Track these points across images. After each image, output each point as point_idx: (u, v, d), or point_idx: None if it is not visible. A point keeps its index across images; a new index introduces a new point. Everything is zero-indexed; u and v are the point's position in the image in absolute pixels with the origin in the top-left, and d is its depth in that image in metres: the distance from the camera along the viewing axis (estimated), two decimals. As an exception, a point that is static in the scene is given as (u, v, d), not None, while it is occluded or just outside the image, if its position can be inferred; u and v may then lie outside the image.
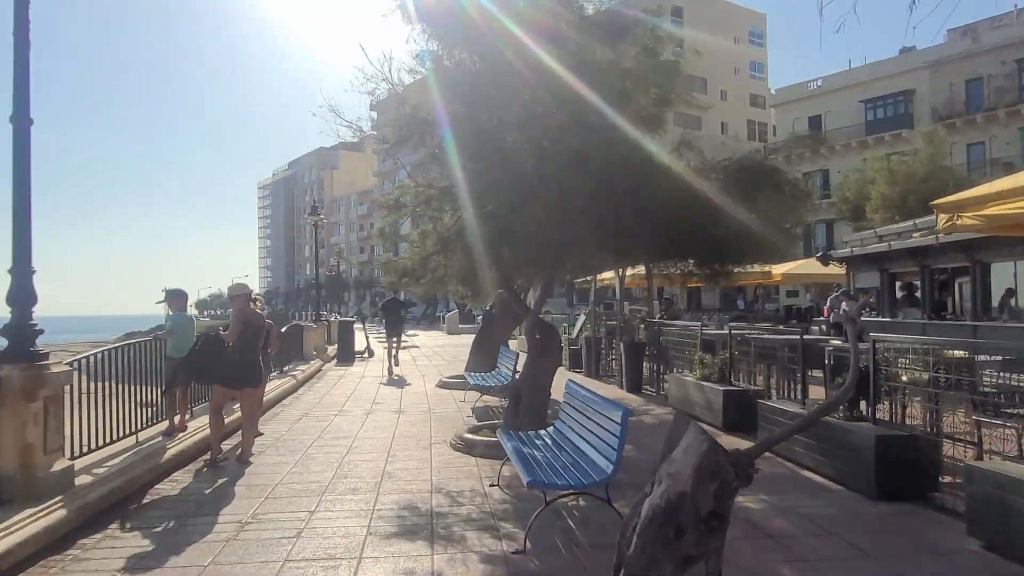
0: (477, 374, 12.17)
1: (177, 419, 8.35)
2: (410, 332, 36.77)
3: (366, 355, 23.12)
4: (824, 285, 29.08)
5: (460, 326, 40.26)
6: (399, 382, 15.54)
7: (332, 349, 22.52)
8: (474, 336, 15.22)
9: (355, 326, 28.30)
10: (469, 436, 8.04)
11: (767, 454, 6.21)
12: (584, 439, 5.29)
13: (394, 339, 18.26)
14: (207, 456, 7.52)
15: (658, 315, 14.86)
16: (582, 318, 17.06)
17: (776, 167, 7.93)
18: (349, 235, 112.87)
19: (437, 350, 25.97)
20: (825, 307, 17.67)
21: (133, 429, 7.50)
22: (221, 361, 7.28)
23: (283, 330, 15.94)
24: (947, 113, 40.10)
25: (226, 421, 8.11)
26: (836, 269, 20.92)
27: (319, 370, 18.22)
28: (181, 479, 6.96)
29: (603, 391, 13.78)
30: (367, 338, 24.28)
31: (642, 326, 13.75)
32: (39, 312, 5.73)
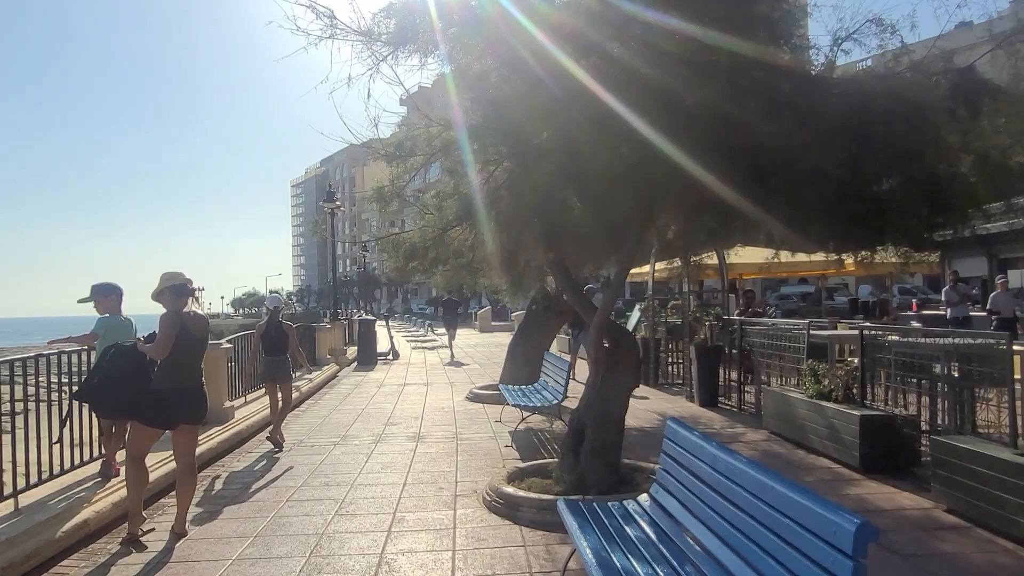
0: (515, 388, 9.69)
1: (119, 455, 6.11)
2: (439, 331, 34.55)
3: (390, 357, 20.88)
4: (878, 278, 26.22)
5: (493, 324, 37.91)
6: (423, 391, 13.17)
7: (352, 351, 20.28)
8: (511, 338, 12.76)
9: (379, 325, 26.13)
10: (511, 491, 5.58)
11: None
12: (746, 559, 2.68)
13: (453, 331, 23.38)
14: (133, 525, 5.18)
15: (736, 311, 12.26)
16: (636, 314, 14.52)
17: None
18: (381, 231, 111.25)
19: (468, 351, 23.58)
20: (942, 300, 14.82)
21: (42, 474, 5.27)
22: (140, 387, 4.94)
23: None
24: None
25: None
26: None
27: (334, 376, 15.95)
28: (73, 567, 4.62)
29: (669, 406, 11.28)
30: (391, 339, 22.00)
31: (714, 325, 11.14)
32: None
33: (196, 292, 5.22)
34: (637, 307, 14.86)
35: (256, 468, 7.27)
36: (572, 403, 9.90)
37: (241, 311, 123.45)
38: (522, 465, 6.50)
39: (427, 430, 9.22)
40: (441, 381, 14.96)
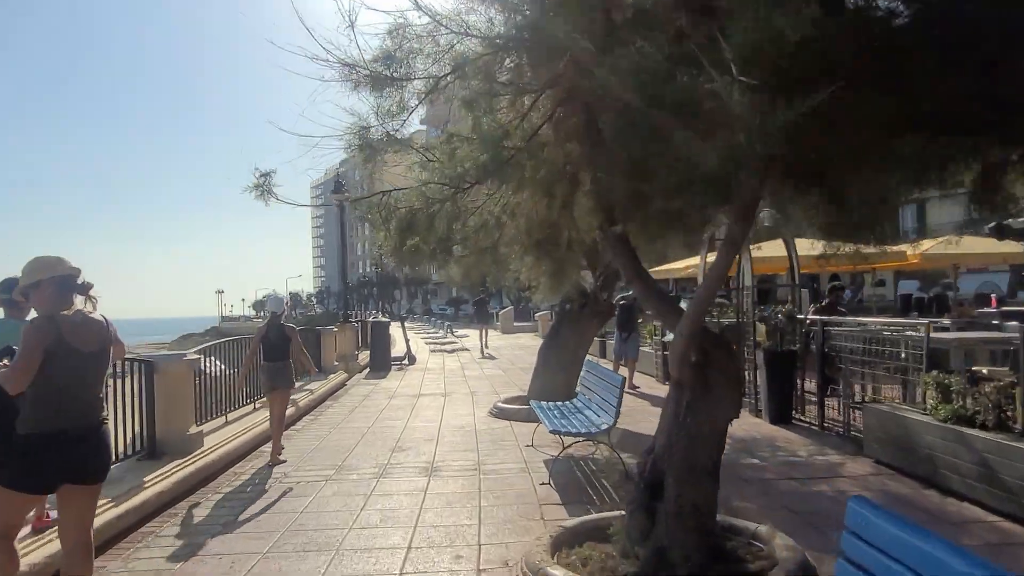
0: (551, 406, 7.93)
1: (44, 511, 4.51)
2: (459, 332, 32.86)
3: (406, 362, 19.23)
4: (934, 273, 24.19)
5: (515, 324, 36.21)
6: (439, 404, 11.47)
7: (365, 356, 18.64)
8: (540, 343, 10.98)
9: (395, 327, 24.51)
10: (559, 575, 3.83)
11: None
12: None
13: (484, 328, 25.01)
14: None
15: (811, 308, 10.39)
16: (683, 315, 12.74)
17: None
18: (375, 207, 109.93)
19: (490, 354, 21.85)
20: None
21: None
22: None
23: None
24: None
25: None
26: (1014, 247, 15.95)
27: (341, 385, 14.30)
28: None
29: (733, 423, 9.44)
30: (407, 342, 20.36)
31: (783, 326, 9.29)
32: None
33: (89, 290, 3.48)
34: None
35: (218, 519, 5.59)
36: (626, 425, 8.44)
37: (262, 314, 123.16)
38: (569, 523, 4.74)
39: (442, 457, 7.50)
40: (461, 391, 13.24)
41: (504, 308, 42.67)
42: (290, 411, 9.71)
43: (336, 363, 15.99)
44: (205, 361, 8.36)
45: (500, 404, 10.32)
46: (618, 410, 6.31)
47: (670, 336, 13.31)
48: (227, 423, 8.51)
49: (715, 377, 4.06)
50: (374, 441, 8.54)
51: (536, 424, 7.99)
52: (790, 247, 10.33)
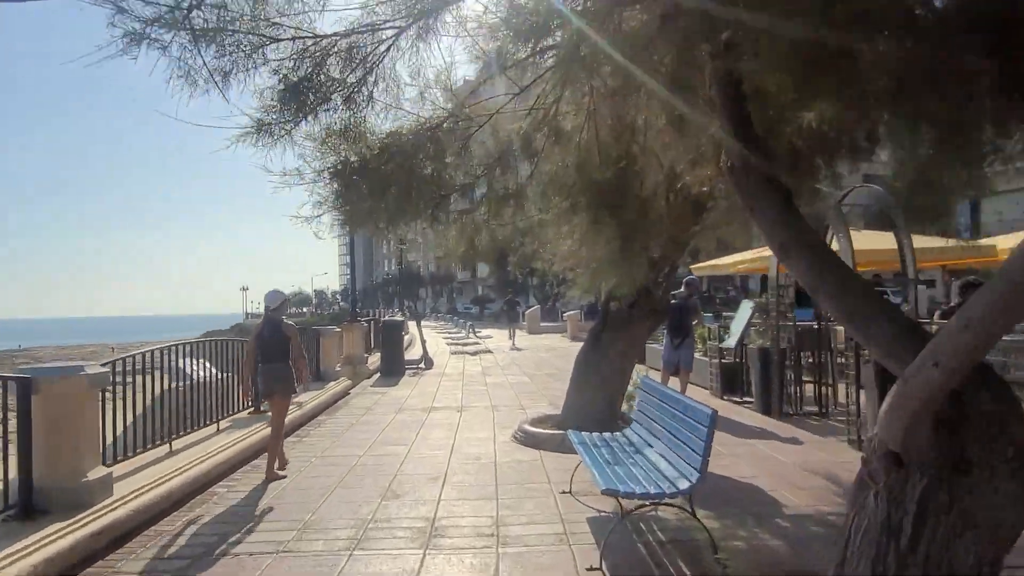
0: (596, 441, 5.83)
1: None
2: (482, 332, 30.86)
3: (422, 366, 17.27)
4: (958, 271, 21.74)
5: (542, 324, 34.13)
6: (454, 422, 9.45)
7: (376, 360, 16.70)
8: (579, 352, 8.85)
9: (410, 325, 22.59)
10: None
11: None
12: None
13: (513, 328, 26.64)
14: None
15: (939, 310, 8.16)
16: (746, 311, 10.54)
17: None
18: (425, 228, 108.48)
19: (516, 358, 19.81)
20: None
21: None
22: None
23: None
24: None
25: None
26: None
27: (343, 395, 12.36)
28: None
29: (835, 460, 7.37)
30: (424, 344, 18.41)
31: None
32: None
33: None
34: (747, 304, 10.85)
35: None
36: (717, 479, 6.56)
37: (291, 311, 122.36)
38: None
39: (448, 511, 5.47)
40: (480, 403, 11.21)
41: (531, 307, 40.63)
42: (258, 436, 7.81)
43: (340, 368, 14.07)
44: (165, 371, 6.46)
45: (527, 426, 8.25)
46: (706, 460, 4.21)
47: (730, 340, 11.18)
48: (172, 453, 6.57)
49: (984, 454, 1.97)
50: (362, 479, 6.53)
51: (574, 458, 5.93)
52: (902, 235, 8.13)
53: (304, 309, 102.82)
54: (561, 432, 7.78)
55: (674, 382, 10.75)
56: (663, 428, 5.08)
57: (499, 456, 7.40)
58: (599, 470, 4.74)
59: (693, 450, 4.30)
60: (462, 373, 16.14)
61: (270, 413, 7.07)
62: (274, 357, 6.75)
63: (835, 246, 7.81)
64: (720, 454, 6.79)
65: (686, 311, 10.56)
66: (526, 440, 7.93)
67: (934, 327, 7.09)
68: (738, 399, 10.71)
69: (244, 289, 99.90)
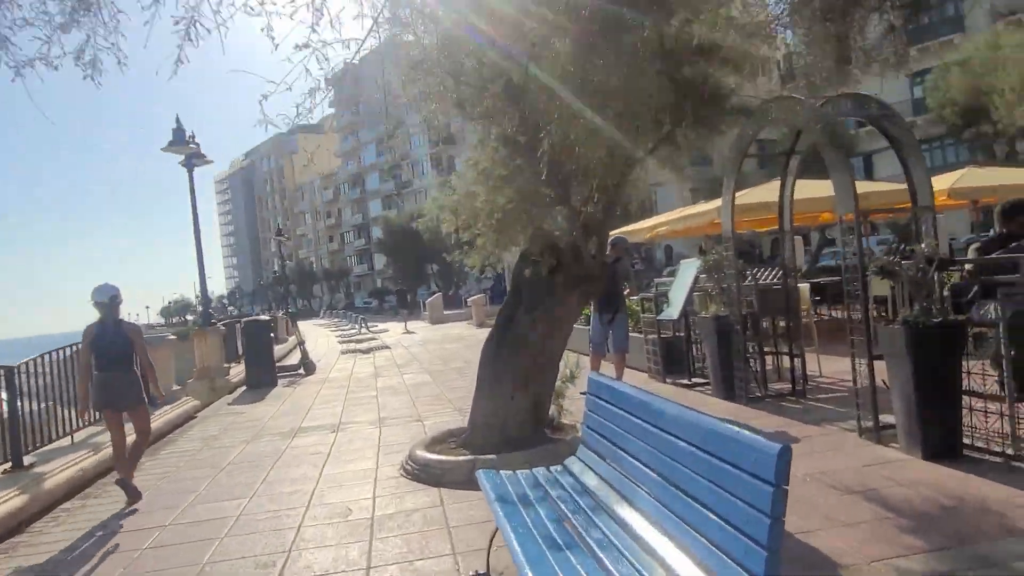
0: (526, 502, 3.41)
1: None
2: (379, 327, 28.03)
3: (301, 372, 14.50)
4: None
5: (446, 312, 31.70)
6: (324, 449, 6.90)
7: (240, 371, 13.71)
8: (488, 336, 6.33)
9: (310, 325, 19.65)
10: None
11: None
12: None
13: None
14: None
15: (972, 248, 6.19)
16: (688, 274, 8.47)
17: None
18: (316, 224, 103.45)
19: (416, 353, 17.28)
20: None
21: None
22: None
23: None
24: (1009, 9, 33.09)
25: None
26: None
27: (185, 420, 9.47)
28: None
29: (859, 465, 4.43)
30: (301, 346, 15.57)
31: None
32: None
33: None
34: (690, 265, 8.78)
35: None
36: None
37: (173, 320, 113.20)
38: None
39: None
40: (365, 417, 8.68)
41: (432, 295, 38.09)
42: (16, 502, 5.04)
43: (192, 384, 11.12)
44: None
45: (421, 452, 5.78)
46: (778, 543, 1.92)
47: (671, 310, 9.12)
48: None
49: None
50: (141, 583, 3.93)
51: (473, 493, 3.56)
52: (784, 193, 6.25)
53: (189, 317, 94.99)
54: (468, 459, 5.41)
55: (607, 368, 8.61)
56: (649, 468, 2.79)
57: (380, 505, 4.94)
58: (540, 571, 2.38)
59: (743, 532, 2.01)
60: (349, 377, 13.47)
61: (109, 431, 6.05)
62: (114, 364, 5.77)
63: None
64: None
65: (615, 278, 8.41)
66: (420, 473, 5.49)
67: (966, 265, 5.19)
68: (687, 381, 8.67)
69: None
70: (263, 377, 12.92)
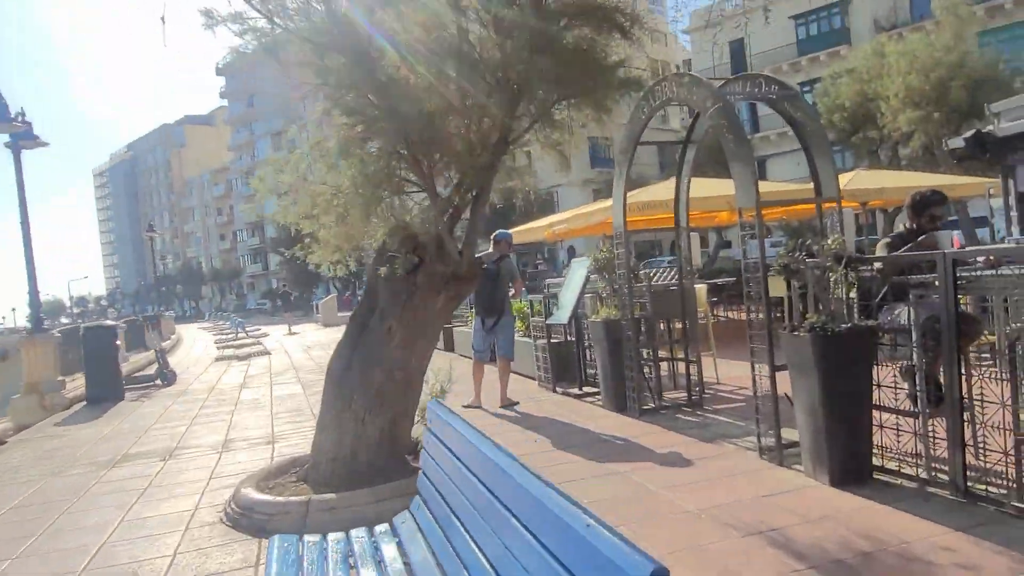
0: (353, 543, 2.47)
1: None
2: (259, 331, 26.17)
3: (158, 382, 12.91)
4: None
5: (340, 315, 30.07)
6: (138, 488, 5.67)
7: (78, 383, 11.93)
8: (337, 345, 5.30)
9: (195, 328, 17.85)
10: None
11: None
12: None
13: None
14: None
15: (881, 243, 5.66)
16: (579, 275, 7.75)
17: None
18: (207, 220, 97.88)
19: (298, 360, 15.89)
20: None
21: None
22: None
23: None
24: (890, 23, 35.06)
25: None
26: (956, 178, 12.72)
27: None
28: None
29: (768, 512, 4.05)
30: (158, 352, 13.92)
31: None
32: None
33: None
34: (580, 264, 8.04)
35: None
36: None
37: (44, 323, 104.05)
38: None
39: None
40: (209, 439, 7.43)
41: (327, 297, 36.33)
42: None
43: (14, 400, 9.44)
44: None
45: (249, 492, 4.67)
46: None
47: (561, 314, 8.36)
48: None
49: None
50: None
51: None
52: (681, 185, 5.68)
53: (63, 320, 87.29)
54: (300, 501, 4.38)
55: (491, 376, 7.80)
56: (481, 554, 1.89)
57: (177, 568, 3.84)
58: None
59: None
60: (212, 388, 12.02)
61: None
62: None
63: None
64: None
65: (497, 279, 7.57)
66: (241, 519, 4.40)
67: (875, 261, 4.63)
68: (578, 391, 7.93)
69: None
70: (105, 390, 11.28)
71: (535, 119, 4.95)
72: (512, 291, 7.87)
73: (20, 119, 11.75)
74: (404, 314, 4.89)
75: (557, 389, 8.23)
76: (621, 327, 6.64)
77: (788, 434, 4.67)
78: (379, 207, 4.49)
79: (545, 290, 8.91)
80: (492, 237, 7.85)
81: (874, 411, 4.27)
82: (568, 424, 6.49)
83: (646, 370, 6.91)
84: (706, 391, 7.21)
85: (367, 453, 4.76)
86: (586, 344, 8.07)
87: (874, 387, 4.25)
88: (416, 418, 5.35)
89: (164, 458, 6.66)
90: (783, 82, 5.40)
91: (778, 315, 10.33)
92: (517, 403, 7.70)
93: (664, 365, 7.50)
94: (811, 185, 5.22)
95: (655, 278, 10.09)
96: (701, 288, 7.94)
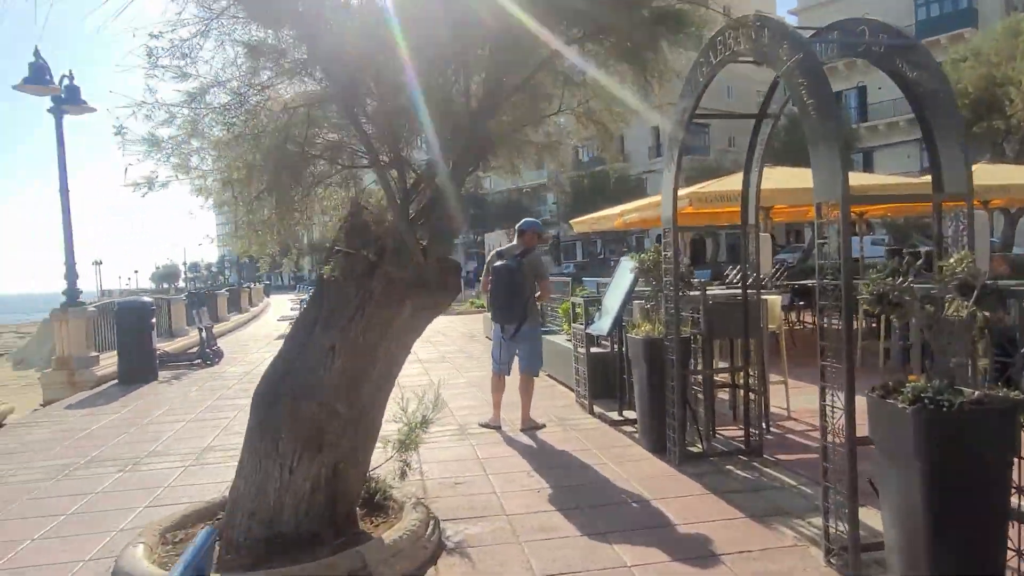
0: None
1: None
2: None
3: (197, 361, 12.51)
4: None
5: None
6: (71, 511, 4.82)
7: (108, 361, 11.49)
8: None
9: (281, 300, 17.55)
10: None
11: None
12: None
13: None
14: None
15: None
16: (626, 276, 6.39)
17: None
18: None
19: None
20: None
21: None
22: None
23: None
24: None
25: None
26: None
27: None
28: None
29: None
30: (206, 330, 13.49)
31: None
32: None
33: None
34: (627, 266, 6.63)
35: None
36: None
37: (162, 286, 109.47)
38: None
39: None
40: (193, 443, 6.60)
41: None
42: None
43: (45, 375, 9.02)
44: None
45: (133, 559, 3.63)
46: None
47: (603, 321, 7.02)
48: None
49: None
50: None
51: None
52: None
53: (180, 284, 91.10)
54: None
55: (512, 390, 6.60)
56: None
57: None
58: None
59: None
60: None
61: None
62: None
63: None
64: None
65: (519, 277, 6.29)
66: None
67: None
68: (617, 416, 6.59)
69: (97, 263, 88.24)
70: (138, 370, 10.81)
71: (533, 70, 3.66)
72: (539, 292, 6.58)
73: (67, 81, 11.38)
74: (351, 329, 3.74)
75: (594, 410, 6.93)
76: (662, 347, 5.26)
77: (868, 519, 3.24)
78: (298, 195, 3.33)
79: (584, 290, 7.57)
80: (516, 227, 6.58)
81: (1011, 525, 2.79)
82: (587, 467, 5.20)
83: (697, 402, 5.51)
84: (771, 429, 5.75)
85: (295, 511, 3.66)
86: (628, 358, 6.71)
87: (1012, 491, 2.76)
88: (379, 459, 4.24)
89: (123, 468, 5.83)
90: (896, 28, 3.84)
91: (872, 324, 8.59)
92: (542, 426, 6.47)
93: (722, 389, 6.07)
94: (925, 179, 3.68)
95: (728, 279, 8.55)
96: (774, 301, 6.39)
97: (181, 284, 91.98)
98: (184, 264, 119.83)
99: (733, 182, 9.13)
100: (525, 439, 6.12)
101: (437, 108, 3.49)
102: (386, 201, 3.64)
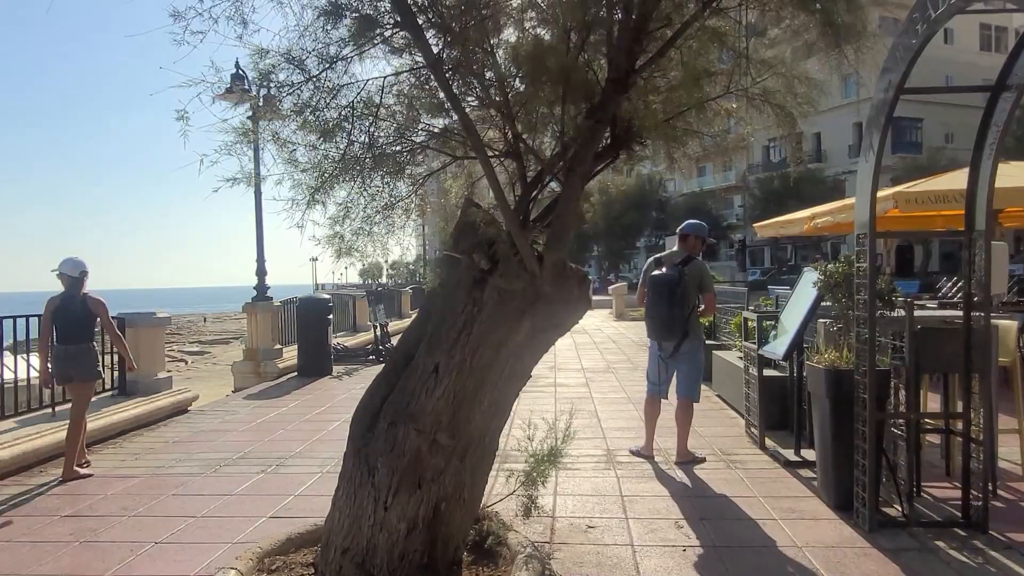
0: None
1: None
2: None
3: (371, 358, 12.92)
4: None
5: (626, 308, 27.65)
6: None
7: (290, 354, 12.14)
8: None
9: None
10: None
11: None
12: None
13: None
14: None
15: None
16: (807, 291, 5.36)
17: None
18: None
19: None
20: None
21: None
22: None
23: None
24: None
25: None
26: None
27: (156, 421, 7.96)
28: None
29: None
30: (378, 326, 13.91)
31: None
32: None
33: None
34: (809, 277, 5.57)
35: None
36: None
37: (367, 281, 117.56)
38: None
39: None
40: (333, 450, 6.58)
41: (617, 284, 35.61)
42: None
43: (234, 365, 9.71)
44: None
45: None
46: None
47: (779, 343, 5.97)
48: None
49: None
50: None
51: None
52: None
53: (383, 280, 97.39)
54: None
55: (667, 416, 5.83)
56: None
57: None
58: None
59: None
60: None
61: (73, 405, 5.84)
62: (73, 336, 5.81)
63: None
64: None
65: (679, 288, 5.48)
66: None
67: None
68: (793, 456, 5.57)
69: (313, 260, 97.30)
70: (314, 364, 11.34)
71: (681, 27, 2.98)
72: (702, 305, 5.72)
73: (265, 85, 12.14)
74: (458, 350, 3.26)
75: (766, 444, 5.94)
76: (851, 382, 4.24)
77: None
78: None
79: (767, 300, 6.55)
80: (679, 230, 5.78)
81: None
82: (749, 522, 4.31)
83: (894, 451, 4.42)
84: (999, 493, 4.48)
85: (389, 553, 3.25)
86: (807, 390, 5.64)
87: None
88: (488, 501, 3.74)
89: (265, 468, 5.88)
90: None
91: None
92: (702, 459, 5.64)
93: (931, 436, 4.86)
94: None
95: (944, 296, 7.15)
96: (1007, 326, 5.00)
97: (383, 280, 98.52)
98: (385, 261, 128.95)
99: (950, 180, 7.65)
100: (679, 475, 5.32)
101: (558, 77, 2.91)
102: (493, 196, 3.11)
